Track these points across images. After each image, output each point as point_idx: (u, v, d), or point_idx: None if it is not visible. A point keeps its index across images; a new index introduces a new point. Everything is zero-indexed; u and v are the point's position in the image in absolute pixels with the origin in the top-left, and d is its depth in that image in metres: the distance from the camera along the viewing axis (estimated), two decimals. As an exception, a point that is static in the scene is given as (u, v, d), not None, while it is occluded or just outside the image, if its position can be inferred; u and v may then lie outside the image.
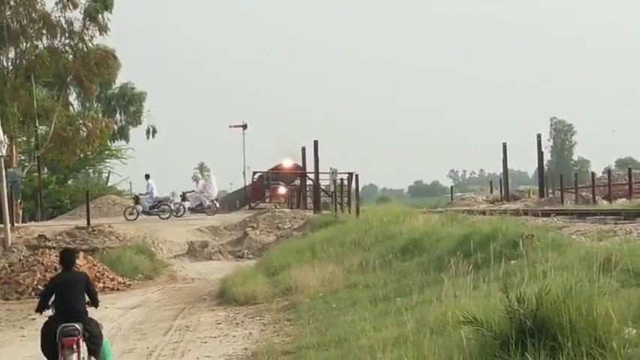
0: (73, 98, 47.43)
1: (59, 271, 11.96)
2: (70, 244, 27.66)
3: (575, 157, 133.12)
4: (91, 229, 30.14)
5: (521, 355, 6.92)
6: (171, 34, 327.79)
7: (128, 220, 34.00)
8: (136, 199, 36.92)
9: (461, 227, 18.98)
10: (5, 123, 38.43)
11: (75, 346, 10.12)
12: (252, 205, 46.60)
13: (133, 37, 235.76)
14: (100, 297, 11.19)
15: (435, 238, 18.28)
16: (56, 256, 24.36)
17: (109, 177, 66.89)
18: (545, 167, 62.93)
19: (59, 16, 40.05)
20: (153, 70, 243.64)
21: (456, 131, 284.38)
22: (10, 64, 40.78)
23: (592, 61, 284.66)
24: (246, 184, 63.10)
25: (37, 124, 41.96)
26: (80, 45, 40.52)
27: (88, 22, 40.03)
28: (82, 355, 10.27)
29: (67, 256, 11.06)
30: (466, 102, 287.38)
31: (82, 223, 32.17)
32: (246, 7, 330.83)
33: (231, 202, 72.16)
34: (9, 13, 39.66)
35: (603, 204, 37.08)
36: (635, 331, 6.98)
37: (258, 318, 16.00)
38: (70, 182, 58.58)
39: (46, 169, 52.88)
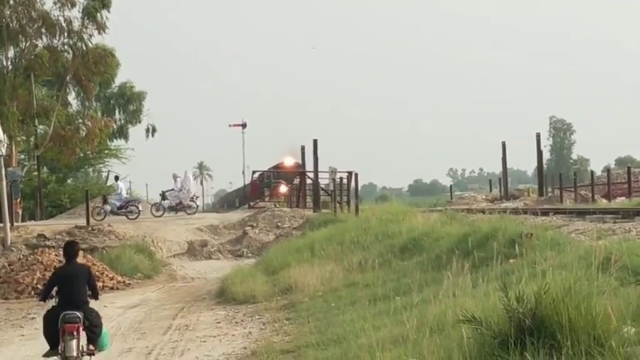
0: (72, 97, 47.44)
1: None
2: (70, 244, 27.67)
3: (574, 156, 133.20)
4: (90, 229, 30.15)
5: (521, 353, 6.92)
6: (170, 34, 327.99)
7: (96, 220, 33.99)
8: (104, 200, 36.89)
9: (460, 226, 18.98)
10: (5, 122, 38.46)
11: (75, 333, 10.67)
12: (252, 204, 46.60)
13: (133, 36, 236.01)
14: (99, 296, 11.62)
15: (435, 237, 18.29)
16: (56, 255, 24.42)
17: (108, 176, 66.94)
18: (545, 166, 62.96)
19: (58, 15, 40.06)
20: (152, 69, 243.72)
21: (456, 130, 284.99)
22: (9, 63, 40.77)
23: (591, 61, 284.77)
24: (246, 183, 63.18)
25: (36, 124, 41.95)
26: (79, 44, 40.50)
27: (87, 21, 40.01)
28: (81, 343, 10.83)
29: (70, 249, 11.55)
30: (466, 101, 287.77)
31: (82, 222, 32.19)
32: (246, 6, 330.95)
33: (230, 201, 72.23)
34: (8, 12, 39.64)
35: (602, 203, 37.03)
36: (634, 329, 6.97)
37: (257, 317, 16.00)
38: (69, 181, 58.61)
39: (45, 169, 52.91)
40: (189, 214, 36.80)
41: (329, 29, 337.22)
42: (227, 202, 76.66)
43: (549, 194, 48.72)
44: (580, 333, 6.95)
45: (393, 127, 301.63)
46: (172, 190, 38.68)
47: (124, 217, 35.24)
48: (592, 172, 53.61)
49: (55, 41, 40.56)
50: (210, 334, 14.59)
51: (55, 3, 39.88)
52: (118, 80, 55.99)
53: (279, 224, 34.10)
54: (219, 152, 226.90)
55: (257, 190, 51.32)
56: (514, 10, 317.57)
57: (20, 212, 39.17)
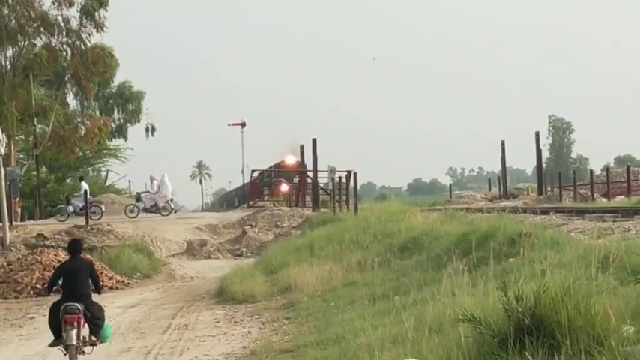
0: (71, 97, 47.44)
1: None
2: (69, 243, 27.69)
3: (573, 155, 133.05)
4: (89, 228, 30.17)
5: (520, 352, 6.91)
6: (170, 33, 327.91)
7: (59, 221, 33.90)
8: (67, 201, 36.86)
9: (459, 225, 18.98)
10: (4, 122, 38.48)
11: (75, 323, 11.32)
12: (251, 203, 46.57)
13: (132, 36, 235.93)
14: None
15: (434, 237, 18.29)
16: (55, 254, 24.45)
17: (107, 176, 66.95)
18: (544, 165, 63.03)
19: (56, 15, 40.04)
20: (152, 69, 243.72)
21: (455, 129, 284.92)
22: (8, 62, 40.75)
23: (591, 60, 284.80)
24: (245, 182, 63.14)
25: (35, 123, 41.91)
26: (78, 43, 40.48)
27: (85, 20, 39.98)
28: (82, 333, 11.50)
29: (75, 245, 12.36)
30: (465, 100, 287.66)
31: (81, 221, 32.17)
32: (246, 5, 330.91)
33: (229, 200, 72.22)
34: (7, 11, 39.63)
35: (602, 202, 37.05)
36: (633, 328, 6.97)
37: (256, 316, 16.00)
38: (68, 181, 58.52)
39: (44, 168, 52.88)
40: (163, 215, 36.63)
41: (329, 29, 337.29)
42: (226, 201, 76.66)
43: (548, 193, 48.74)
44: (579, 332, 6.94)
45: (393, 126, 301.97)
46: (148, 192, 38.66)
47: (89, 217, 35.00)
48: (591, 171, 53.58)
49: (54, 41, 40.56)
50: (209, 333, 14.58)
51: (53, 2, 39.88)
52: (117, 80, 55.97)
53: (278, 224, 34.10)
54: (218, 151, 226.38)
55: (256, 190, 51.28)
56: (514, 10, 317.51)
57: (19, 212, 39.17)
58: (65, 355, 11.54)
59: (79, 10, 40.15)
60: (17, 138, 43.51)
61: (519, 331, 7.10)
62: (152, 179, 39.01)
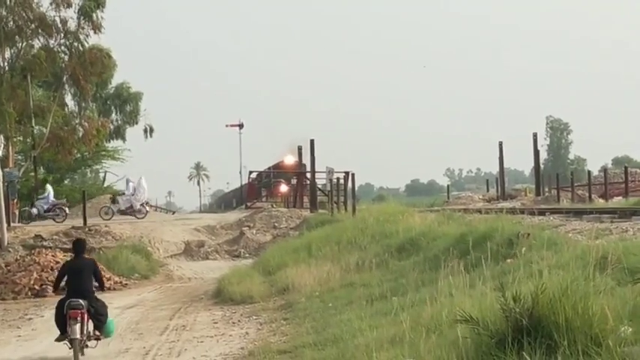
0: (69, 98, 47.38)
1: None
2: (67, 244, 27.67)
3: (571, 156, 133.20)
4: (87, 229, 30.14)
5: (517, 353, 6.91)
6: (169, 33, 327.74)
7: (23, 223, 33.85)
8: (32, 203, 36.84)
9: (457, 226, 18.99)
10: (2, 123, 38.47)
11: (79, 318, 12.13)
12: (249, 204, 46.57)
13: (131, 36, 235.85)
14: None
15: (432, 237, 18.29)
16: (53, 255, 24.46)
17: (105, 177, 66.92)
18: (542, 166, 63.05)
19: (54, 16, 40.02)
20: (151, 69, 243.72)
21: (453, 130, 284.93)
22: (6, 64, 40.72)
23: (590, 60, 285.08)
24: (243, 183, 63.15)
25: (33, 124, 41.87)
26: (75, 44, 40.45)
27: (83, 21, 39.96)
28: (85, 327, 12.39)
29: (78, 245, 13.23)
30: (464, 100, 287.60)
31: (79, 222, 32.16)
32: (246, 5, 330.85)
33: (227, 201, 72.26)
34: (5, 13, 39.60)
35: (599, 202, 37.08)
36: (630, 329, 6.97)
37: (254, 317, 15.99)
38: (66, 182, 58.54)
39: (42, 169, 52.81)
40: (138, 218, 36.45)
41: (329, 29, 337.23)
42: (224, 202, 76.71)
43: (546, 194, 48.76)
44: (577, 333, 6.94)
45: (392, 126, 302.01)
46: (124, 194, 38.60)
47: (52, 220, 34.91)
48: (589, 171, 53.60)
49: (52, 42, 40.53)
50: (207, 334, 14.58)
51: (51, 3, 39.85)
52: (115, 81, 56.01)
53: (276, 224, 34.11)
54: (216, 152, 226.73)
55: (254, 191, 51.31)
56: (514, 10, 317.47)
57: (17, 213, 39.09)
58: (70, 349, 12.25)
59: (76, 11, 40.15)
60: (15, 139, 43.44)
61: (517, 332, 7.10)
62: (128, 182, 39.02)
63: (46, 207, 35.44)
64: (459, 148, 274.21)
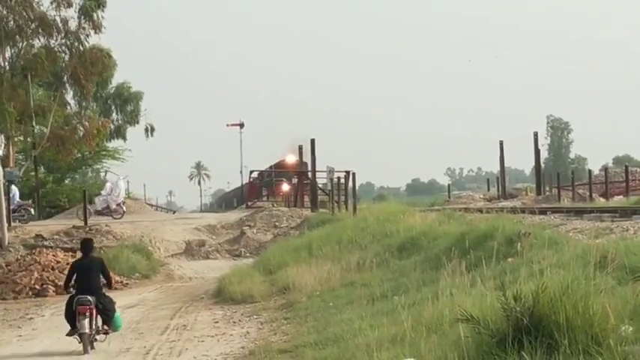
0: (69, 98, 47.39)
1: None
2: (67, 244, 27.70)
3: (572, 155, 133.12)
4: (88, 229, 30.12)
5: (518, 352, 6.91)
6: (169, 33, 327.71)
7: None
8: None
9: (458, 225, 18.99)
10: (2, 122, 38.45)
11: (87, 314, 12.96)
12: (250, 203, 46.54)
13: (132, 36, 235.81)
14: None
15: (432, 237, 18.29)
16: (53, 255, 24.47)
17: (105, 176, 66.88)
18: (542, 165, 63.01)
19: (54, 15, 40.00)
20: (151, 69, 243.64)
21: (454, 129, 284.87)
22: (6, 63, 40.71)
23: (590, 60, 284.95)
24: (244, 182, 63.13)
25: (34, 124, 41.86)
26: (76, 44, 40.43)
27: (84, 21, 39.95)
28: (94, 322, 13.24)
29: (86, 245, 14.12)
30: (464, 100, 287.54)
31: (79, 222, 32.15)
32: (246, 5, 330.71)
33: (228, 200, 72.24)
34: (5, 12, 39.58)
35: (600, 201, 37.06)
36: (631, 328, 6.97)
37: (255, 317, 15.99)
38: (67, 182, 58.49)
39: (43, 169, 52.82)
40: (115, 218, 36.27)
41: (329, 29, 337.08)
42: (225, 201, 76.70)
43: (547, 193, 48.74)
44: (578, 332, 6.94)
45: (392, 126, 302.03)
46: (100, 194, 38.52)
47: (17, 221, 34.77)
48: (590, 170, 53.58)
49: (52, 41, 40.51)
50: (208, 333, 14.57)
51: (51, 3, 39.83)
52: (115, 81, 55.91)
53: (276, 224, 34.10)
54: (217, 152, 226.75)
55: (255, 190, 51.27)
56: (514, 10, 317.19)
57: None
58: (80, 343, 13.08)
59: (77, 10, 40.13)
60: (16, 139, 43.46)
61: (518, 331, 7.10)
62: (105, 182, 38.94)
63: (11, 207, 35.43)
64: (459, 147, 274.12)
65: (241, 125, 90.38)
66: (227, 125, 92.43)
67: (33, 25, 39.86)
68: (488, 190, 63.92)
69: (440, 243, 17.03)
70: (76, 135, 42.47)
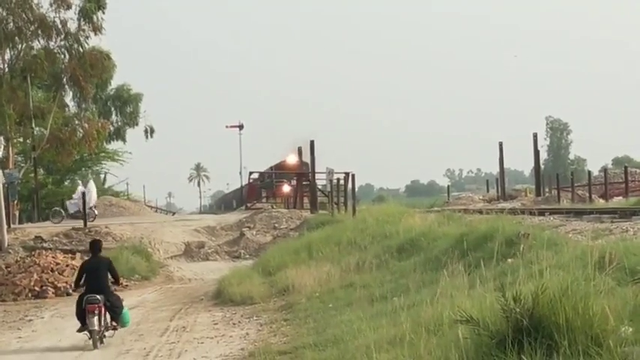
0: (69, 100, 47.43)
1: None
2: (67, 245, 27.70)
3: (571, 156, 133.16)
4: (87, 230, 30.11)
5: (518, 354, 6.91)
6: (169, 33, 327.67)
7: None
8: None
9: (457, 227, 18.97)
10: (2, 124, 38.48)
11: (96, 311, 13.73)
12: (249, 205, 46.51)
13: (132, 36, 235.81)
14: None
15: (432, 238, 18.28)
16: (53, 257, 24.46)
17: (105, 178, 66.96)
18: (542, 166, 63.01)
19: (54, 17, 40.03)
20: (151, 69, 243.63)
21: (453, 130, 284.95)
22: (6, 65, 40.74)
23: (590, 60, 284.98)
24: (243, 184, 63.08)
25: (33, 125, 41.89)
26: (75, 46, 40.45)
27: (83, 23, 39.97)
28: (103, 319, 13.97)
29: (95, 245, 14.93)
30: (464, 100, 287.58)
31: (79, 224, 32.13)
32: (246, 5, 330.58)
33: (227, 202, 72.21)
34: (5, 13, 39.61)
35: (599, 202, 37.06)
36: (631, 329, 6.97)
37: (254, 318, 15.99)
38: (66, 183, 58.54)
39: (42, 170, 52.85)
40: (88, 221, 36.14)
41: (329, 29, 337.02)
42: (224, 203, 76.67)
43: (546, 194, 48.74)
44: (577, 333, 6.94)
45: (392, 126, 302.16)
46: (72, 198, 38.45)
47: None
48: (589, 172, 53.60)
49: (52, 43, 40.54)
50: (207, 335, 14.57)
51: (51, 4, 39.86)
52: (115, 83, 55.99)
53: (276, 225, 34.09)
54: (216, 153, 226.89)
55: (254, 192, 51.22)
56: (514, 10, 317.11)
57: (17, 214, 39.12)
58: (89, 339, 13.82)
59: (76, 12, 40.16)
60: (15, 140, 43.48)
61: (517, 333, 7.09)
62: (77, 186, 38.88)
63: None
64: (459, 148, 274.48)
65: (240, 127, 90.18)
66: (226, 127, 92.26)
67: (32, 27, 39.93)
68: (488, 191, 63.96)
69: (439, 244, 17.02)
70: (76, 137, 42.52)
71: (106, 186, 64.66)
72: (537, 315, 7.14)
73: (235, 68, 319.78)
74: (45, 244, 27.64)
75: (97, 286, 14.08)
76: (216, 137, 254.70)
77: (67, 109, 45.50)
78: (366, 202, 54.52)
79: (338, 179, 37.02)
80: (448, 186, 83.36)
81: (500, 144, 51.89)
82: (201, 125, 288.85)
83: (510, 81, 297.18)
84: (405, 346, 8.60)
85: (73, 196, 38.39)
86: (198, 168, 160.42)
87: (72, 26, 40.22)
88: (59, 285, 23.08)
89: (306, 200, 43.66)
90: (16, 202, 38.18)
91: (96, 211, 37.57)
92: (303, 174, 44.81)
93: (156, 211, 66.12)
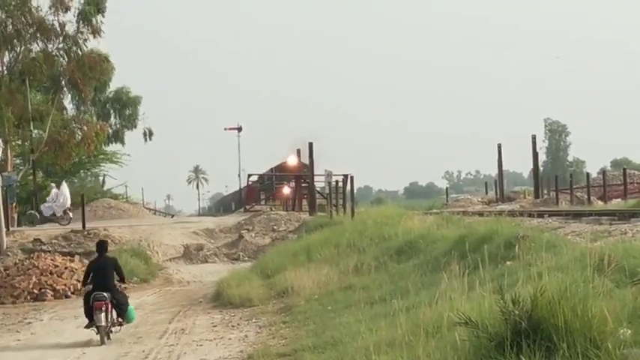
0: (67, 102, 47.38)
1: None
2: (66, 248, 27.69)
3: (570, 158, 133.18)
4: (86, 233, 30.10)
5: (517, 356, 6.91)
6: (169, 33, 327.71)
7: None
8: None
9: (456, 229, 19.00)
10: (0, 127, 38.43)
11: (103, 308, 14.50)
12: (248, 207, 46.51)
13: (131, 36, 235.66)
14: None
15: (431, 240, 18.29)
16: (52, 259, 24.44)
17: (104, 180, 66.91)
18: (541, 168, 63.03)
19: (53, 20, 40.01)
20: (151, 69, 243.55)
21: (453, 131, 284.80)
22: (4, 68, 40.71)
23: (590, 61, 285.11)
24: (242, 186, 63.10)
25: (31, 128, 41.85)
26: (74, 48, 40.43)
27: (82, 25, 39.95)
28: (109, 316, 14.75)
29: (101, 246, 15.65)
30: (464, 101, 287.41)
31: (78, 226, 32.12)
32: (246, 5, 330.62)
33: (226, 204, 72.22)
34: (4, 16, 39.58)
35: (598, 204, 37.09)
36: (630, 331, 6.97)
37: (253, 320, 15.98)
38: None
39: (41, 173, 52.80)
40: (62, 225, 35.91)
41: (329, 29, 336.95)
42: (223, 205, 76.67)
43: (545, 196, 48.76)
44: (576, 335, 6.94)
45: (392, 126, 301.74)
46: (47, 201, 38.41)
47: None
48: (588, 173, 53.65)
49: (51, 46, 40.50)
50: (206, 337, 14.57)
51: (50, 7, 39.83)
52: (114, 85, 55.88)
53: (275, 227, 34.10)
54: (215, 156, 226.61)
55: (253, 194, 51.26)
56: (514, 10, 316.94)
57: (16, 217, 39.09)
58: (97, 334, 14.59)
59: (75, 15, 40.13)
60: (14, 143, 43.44)
61: (516, 335, 7.10)
62: (51, 189, 38.83)
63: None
64: (458, 149, 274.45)
65: (239, 129, 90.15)
66: (225, 129, 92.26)
67: (31, 30, 39.86)
68: (487, 193, 63.98)
69: (438, 246, 17.03)
70: (74, 139, 42.42)
71: (104, 188, 64.55)
72: (536, 317, 7.15)
73: (235, 68, 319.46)
74: (44, 247, 27.63)
75: (104, 284, 14.83)
76: (215, 139, 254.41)
77: (65, 111, 45.42)
78: (364, 204, 54.55)
79: (337, 181, 37.03)
80: (447, 188, 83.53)
81: (499, 146, 51.96)
82: (200, 127, 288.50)
83: (510, 81, 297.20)
84: (404, 349, 8.60)
85: (47, 199, 38.34)
86: (196, 170, 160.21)
87: (71, 29, 40.15)
88: (58, 287, 23.08)
89: (304, 202, 43.66)
90: (14, 204, 38.14)
91: (71, 214, 37.42)
92: (302, 176, 44.81)
93: (154, 213, 66.01)
